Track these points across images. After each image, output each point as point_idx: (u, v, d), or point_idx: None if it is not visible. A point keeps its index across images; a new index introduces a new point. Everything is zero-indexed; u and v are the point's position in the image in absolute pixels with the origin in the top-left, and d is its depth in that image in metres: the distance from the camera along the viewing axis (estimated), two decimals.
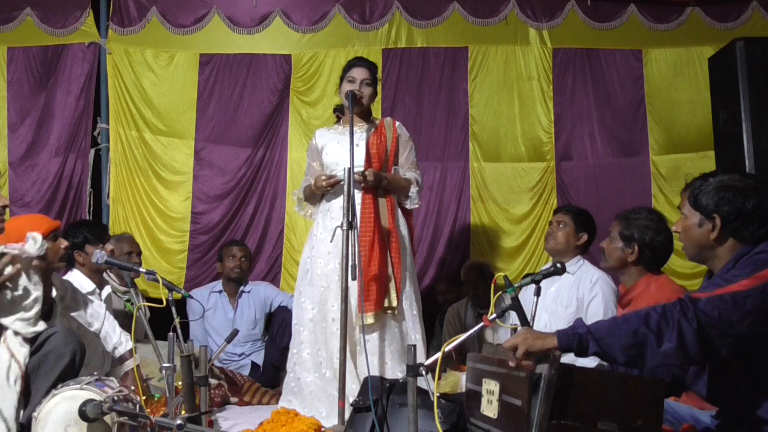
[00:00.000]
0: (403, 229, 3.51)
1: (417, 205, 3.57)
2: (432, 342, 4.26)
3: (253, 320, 4.56)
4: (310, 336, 3.43)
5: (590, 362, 2.32)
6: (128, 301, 3.93)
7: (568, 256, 3.54)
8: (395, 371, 3.28)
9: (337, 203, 3.41)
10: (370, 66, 3.58)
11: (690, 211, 2.14)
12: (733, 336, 1.87)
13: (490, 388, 2.10)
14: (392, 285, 3.38)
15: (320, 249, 3.45)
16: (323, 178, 3.42)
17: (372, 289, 3.31)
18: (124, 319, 3.75)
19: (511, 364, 2.00)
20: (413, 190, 3.50)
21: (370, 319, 3.29)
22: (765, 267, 1.91)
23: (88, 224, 3.97)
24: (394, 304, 3.36)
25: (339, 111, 3.71)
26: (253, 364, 4.46)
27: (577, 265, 3.54)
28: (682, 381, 2.26)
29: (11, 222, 3.07)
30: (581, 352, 1.94)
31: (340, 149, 3.44)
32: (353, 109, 3.42)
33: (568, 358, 2.05)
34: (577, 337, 1.94)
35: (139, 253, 4.30)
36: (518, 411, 1.92)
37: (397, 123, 3.60)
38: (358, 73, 3.51)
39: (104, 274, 3.84)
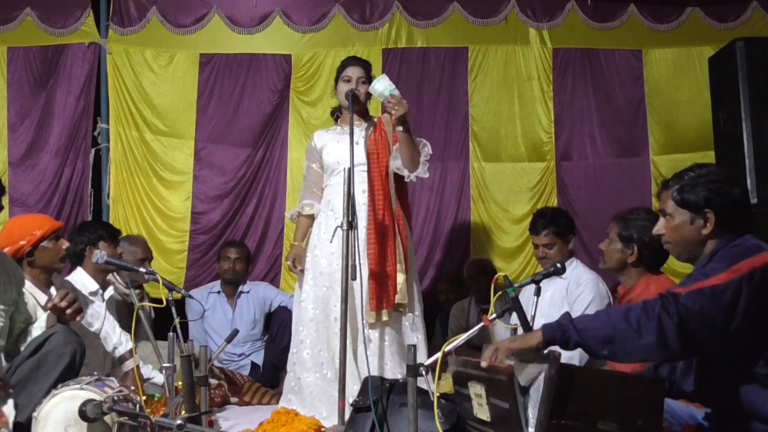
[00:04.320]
0: (406, 229, 3.52)
1: (426, 175, 3.47)
2: (432, 342, 4.26)
3: (252, 320, 4.56)
4: (310, 336, 3.43)
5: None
6: (131, 303, 3.93)
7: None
8: (395, 372, 3.28)
9: (339, 203, 3.41)
10: (365, 64, 3.60)
11: (676, 210, 2.12)
12: (714, 330, 1.88)
13: (477, 391, 2.10)
14: (401, 280, 3.38)
15: (323, 249, 3.45)
16: (291, 264, 3.54)
17: (383, 286, 3.32)
18: (130, 317, 3.74)
19: (483, 364, 2.00)
20: (427, 150, 3.45)
21: (384, 317, 3.31)
22: (741, 259, 1.92)
23: (102, 224, 3.99)
24: (405, 301, 3.37)
25: (337, 111, 3.71)
26: (253, 365, 4.46)
27: (570, 267, 3.51)
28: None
29: (13, 221, 3.08)
30: (564, 344, 1.95)
31: (340, 148, 3.44)
32: (353, 109, 3.42)
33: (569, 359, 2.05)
34: (560, 329, 1.95)
35: (151, 259, 4.19)
36: (509, 413, 1.92)
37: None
38: (354, 72, 3.51)
39: (112, 276, 3.83)
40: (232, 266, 4.56)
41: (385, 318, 3.32)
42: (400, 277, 3.38)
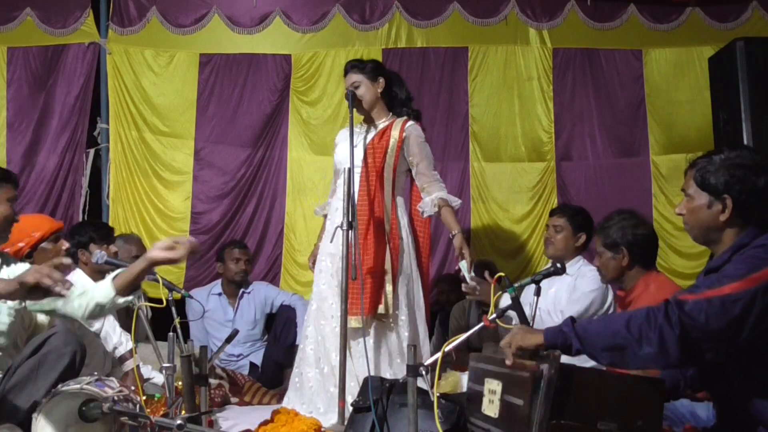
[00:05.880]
0: (403, 231, 3.49)
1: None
2: (432, 342, 4.26)
3: (253, 320, 4.56)
4: (313, 332, 3.44)
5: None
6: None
7: (568, 258, 3.53)
8: (386, 374, 3.26)
9: (334, 203, 3.45)
10: (354, 66, 3.51)
11: (696, 191, 2.03)
12: (718, 341, 1.82)
13: (492, 387, 2.10)
14: (388, 290, 3.36)
15: (323, 248, 3.49)
16: (311, 264, 3.62)
17: (365, 292, 3.30)
18: (126, 318, 3.74)
19: (508, 362, 2.00)
20: (455, 204, 3.51)
21: (357, 323, 3.26)
22: (760, 268, 1.83)
23: (94, 224, 3.98)
24: (389, 311, 3.34)
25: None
26: (252, 365, 4.46)
27: (576, 266, 3.52)
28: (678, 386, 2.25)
29: None
30: (566, 351, 1.94)
31: (344, 148, 3.43)
32: (353, 109, 3.41)
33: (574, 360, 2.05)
34: (561, 335, 1.93)
35: None
36: (519, 411, 1.92)
37: (409, 123, 3.48)
38: (347, 83, 3.49)
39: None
40: (243, 268, 4.56)
41: (355, 324, 3.25)
42: (387, 287, 3.35)
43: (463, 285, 3.17)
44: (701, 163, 2.04)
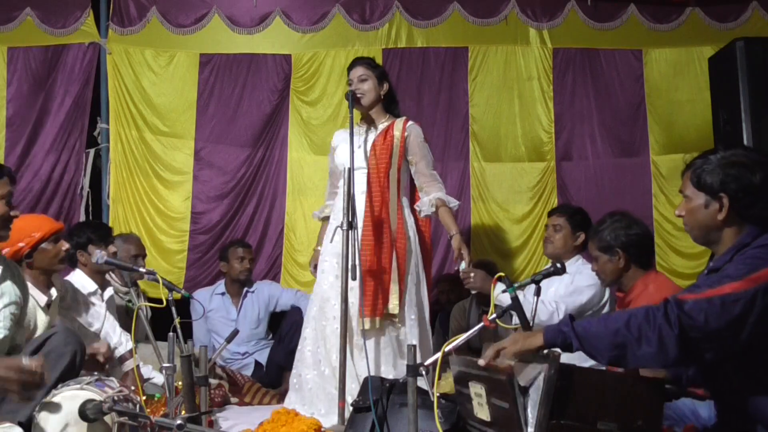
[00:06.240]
0: (410, 231, 3.50)
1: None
2: (432, 342, 4.26)
3: (257, 319, 4.56)
4: (312, 333, 3.44)
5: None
6: (129, 301, 3.93)
7: (566, 257, 3.54)
8: (389, 375, 3.27)
9: (340, 203, 3.43)
10: (365, 62, 3.57)
11: (693, 192, 2.03)
12: (717, 341, 1.81)
13: (477, 391, 2.10)
14: (395, 290, 3.36)
15: (326, 248, 3.49)
16: (313, 269, 3.63)
17: (373, 293, 3.30)
18: (126, 318, 3.75)
19: (480, 363, 2.00)
20: (453, 205, 3.51)
21: (368, 324, 3.28)
22: (760, 268, 1.82)
23: (92, 225, 3.98)
24: (396, 311, 3.34)
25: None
26: (257, 363, 4.46)
27: (575, 265, 3.53)
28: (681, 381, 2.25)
29: (15, 221, 3.07)
30: (566, 349, 1.93)
31: (346, 149, 3.43)
32: (353, 109, 3.41)
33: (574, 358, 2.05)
34: (561, 335, 1.92)
35: (144, 256, 4.25)
36: (508, 413, 1.92)
37: (410, 123, 3.52)
38: (354, 74, 3.51)
39: (109, 275, 3.83)
40: (247, 266, 4.57)
41: (367, 326, 3.28)
42: (393, 287, 3.36)
43: (460, 272, 3.21)
44: (697, 163, 2.04)
